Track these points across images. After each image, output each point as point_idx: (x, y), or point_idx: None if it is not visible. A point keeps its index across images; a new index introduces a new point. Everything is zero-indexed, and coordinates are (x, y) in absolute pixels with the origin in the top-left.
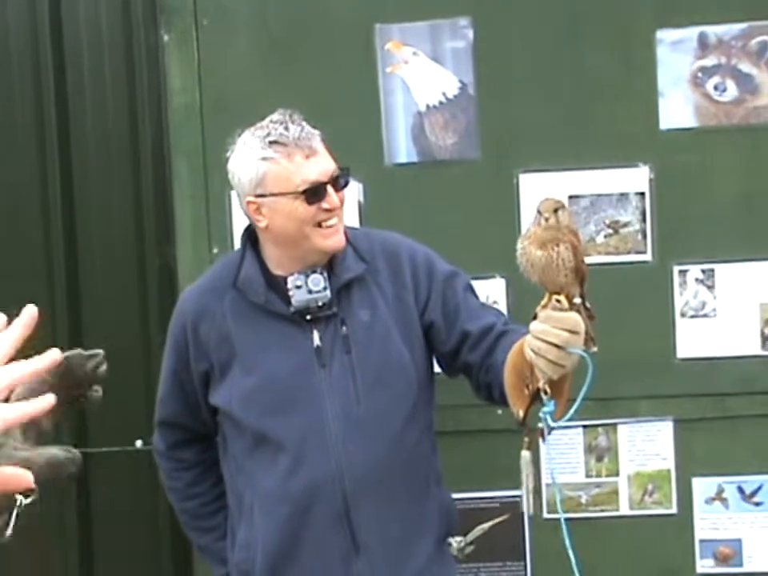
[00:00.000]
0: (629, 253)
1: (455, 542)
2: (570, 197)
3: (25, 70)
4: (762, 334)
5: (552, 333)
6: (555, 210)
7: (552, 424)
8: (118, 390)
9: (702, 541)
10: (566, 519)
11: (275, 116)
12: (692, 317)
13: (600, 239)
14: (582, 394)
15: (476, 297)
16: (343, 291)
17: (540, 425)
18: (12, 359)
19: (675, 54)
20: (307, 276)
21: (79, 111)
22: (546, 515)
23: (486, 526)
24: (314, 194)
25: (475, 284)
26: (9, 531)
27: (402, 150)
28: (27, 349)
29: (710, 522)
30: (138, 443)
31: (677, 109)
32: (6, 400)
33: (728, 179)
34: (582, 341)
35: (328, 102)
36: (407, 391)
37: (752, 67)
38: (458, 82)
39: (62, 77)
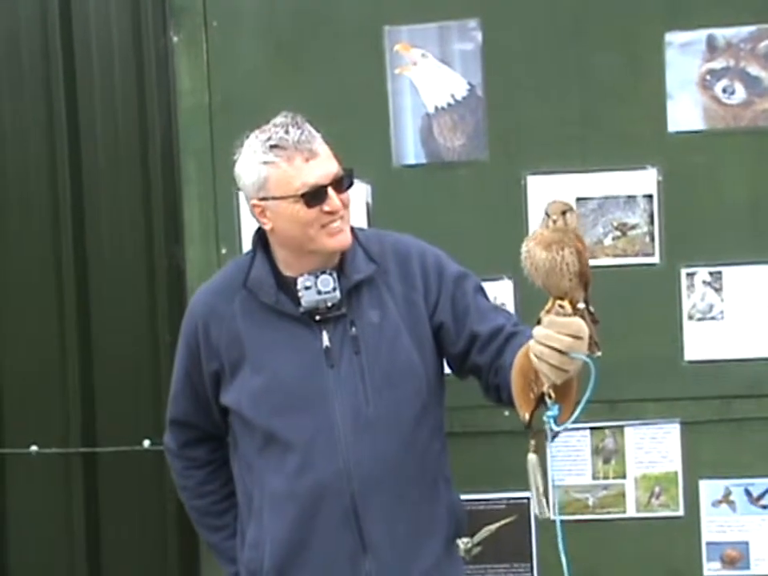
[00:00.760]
0: (636, 255)
1: (462, 542)
2: (578, 199)
3: (35, 71)
4: None
5: (555, 338)
6: (563, 213)
7: (555, 428)
8: (127, 390)
9: (708, 543)
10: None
11: (278, 119)
12: (699, 319)
13: (608, 241)
14: (584, 399)
15: (486, 298)
16: (353, 292)
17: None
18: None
19: (684, 56)
20: (317, 277)
21: (89, 112)
22: (552, 516)
23: (492, 527)
24: (313, 197)
25: (483, 286)
26: None
27: (410, 151)
28: (39, 347)
29: (717, 525)
30: (146, 443)
31: (685, 111)
32: None
33: (736, 182)
34: (585, 346)
35: (337, 104)
36: (416, 392)
37: (760, 70)
38: (467, 84)
39: (71, 78)
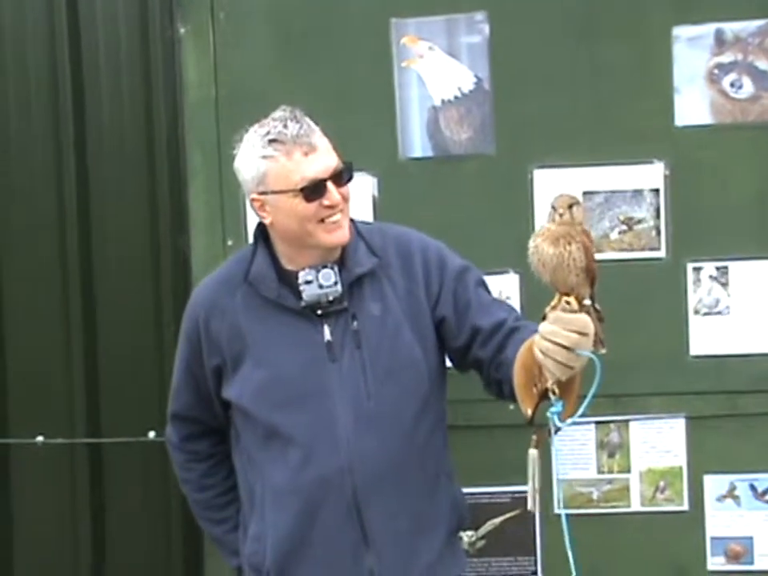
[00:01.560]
0: (643, 249)
1: (466, 536)
2: (585, 193)
3: (41, 62)
4: None
5: (561, 334)
6: (570, 206)
7: (559, 424)
8: (132, 381)
9: (713, 538)
10: (578, 515)
11: (276, 113)
12: (705, 314)
13: (614, 236)
14: (589, 396)
15: (488, 292)
16: (354, 286)
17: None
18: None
19: (692, 50)
20: (318, 271)
21: (95, 104)
22: (556, 511)
23: (497, 520)
24: (312, 191)
25: (489, 279)
26: None
27: (416, 144)
28: (44, 338)
29: (722, 520)
30: (151, 434)
31: (692, 105)
32: None
33: (743, 176)
34: (591, 342)
35: (343, 96)
36: (418, 386)
37: None
38: (474, 77)
39: (78, 69)
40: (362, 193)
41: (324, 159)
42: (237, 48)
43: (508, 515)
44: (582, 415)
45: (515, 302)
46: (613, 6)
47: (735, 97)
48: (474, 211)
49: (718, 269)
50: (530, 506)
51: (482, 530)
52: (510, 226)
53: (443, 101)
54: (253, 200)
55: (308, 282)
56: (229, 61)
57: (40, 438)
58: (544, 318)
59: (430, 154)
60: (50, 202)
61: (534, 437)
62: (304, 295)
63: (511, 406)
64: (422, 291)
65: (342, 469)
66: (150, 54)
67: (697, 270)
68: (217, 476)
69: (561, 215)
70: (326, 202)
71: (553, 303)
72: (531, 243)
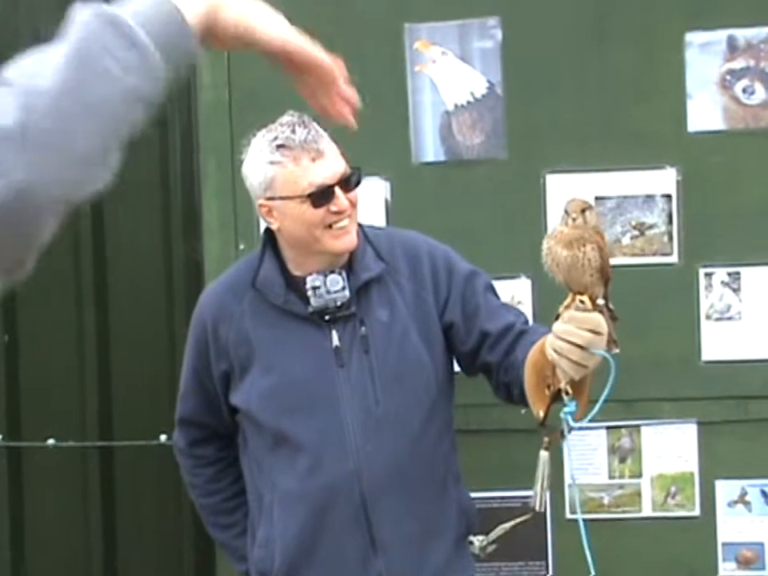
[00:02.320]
0: (654, 255)
1: (477, 540)
2: (597, 198)
3: None
4: None
5: (575, 333)
6: (583, 211)
7: (573, 424)
8: (144, 385)
9: (724, 544)
10: (589, 520)
11: (284, 118)
12: (717, 319)
13: (626, 241)
14: (604, 395)
15: (496, 296)
16: (362, 291)
17: (561, 425)
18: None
19: (704, 56)
20: (326, 276)
21: None
22: (568, 515)
23: (507, 525)
24: (320, 197)
25: (501, 284)
26: None
27: (429, 149)
28: (57, 341)
29: (733, 525)
30: (162, 438)
31: (705, 111)
32: None
33: (755, 182)
34: (604, 342)
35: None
36: (426, 391)
37: None
38: (486, 82)
39: None
40: (374, 197)
41: (332, 165)
42: (251, 51)
43: (519, 519)
44: (593, 419)
45: (527, 307)
46: (625, 12)
47: (747, 103)
48: (486, 216)
49: (729, 274)
50: (537, 506)
51: (493, 535)
52: (522, 231)
53: (456, 105)
54: (260, 205)
55: (315, 288)
56: (243, 64)
57: (51, 441)
58: (557, 318)
59: (442, 158)
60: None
61: (546, 439)
62: (312, 301)
63: (523, 411)
64: (430, 296)
65: (350, 474)
66: None
67: (708, 275)
68: (224, 481)
69: (574, 219)
70: (333, 207)
71: (566, 302)
72: (545, 244)
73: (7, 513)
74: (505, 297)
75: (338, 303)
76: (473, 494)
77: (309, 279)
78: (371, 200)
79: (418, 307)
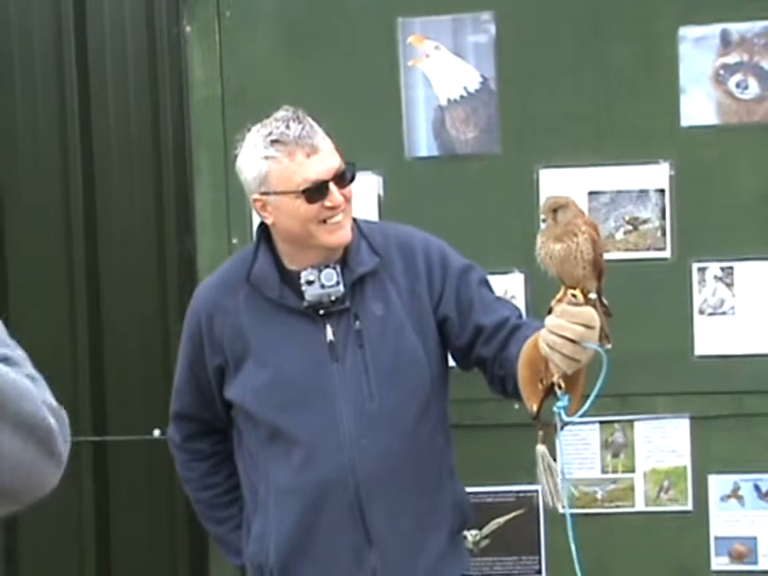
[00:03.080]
0: (648, 249)
1: (470, 535)
2: (590, 193)
3: (47, 60)
4: None
5: (567, 327)
6: (554, 210)
7: (566, 419)
8: (137, 379)
9: (717, 538)
10: (582, 514)
11: (279, 113)
12: (710, 314)
13: (619, 236)
14: (596, 389)
15: (491, 290)
16: (357, 285)
17: (555, 420)
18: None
19: (698, 50)
20: (320, 271)
21: (101, 102)
22: (560, 510)
23: (501, 520)
24: (314, 192)
25: (494, 279)
26: None
27: (422, 143)
28: (49, 335)
29: (726, 520)
30: (156, 432)
31: (698, 106)
32: None
33: (749, 177)
34: (597, 336)
35: (349, 95)
36: (420, 385)
37: None
38: (480, 77)
39: (84, 68)
40: (367, 192)
41: (326, 160)
42: (243, 46)
43: (513, 514)
44: (587, 413)
45: (520, 301)
46: (619, 6)
47: (741, 97)
48: (480, 211)
49: (723, 269)
50: (548, 501)
51: (487, 529)
52: (516, 226)
53: (449, 100)
54: (254, 200)
55: (310, 282)
56: (235, 59)
57: None
58: (550, 312)
59: (435, 153)
60: (55, 201)
61: (541, 432)
62: (306, 295)
63: (516, 405)
64: (425, 290)
65: (344, 469)
66: (156, 52)
67: (702, 270)
68: (219, 475)
69: (543, 221)
70: (327, 203)
71: (558, 296)
72: (539, 239)
73: None
74: (498, 291)
75: (333, 298)
76: (466, 489)
77: (303, 274)
78: (364, 195)
79: (413, 302)
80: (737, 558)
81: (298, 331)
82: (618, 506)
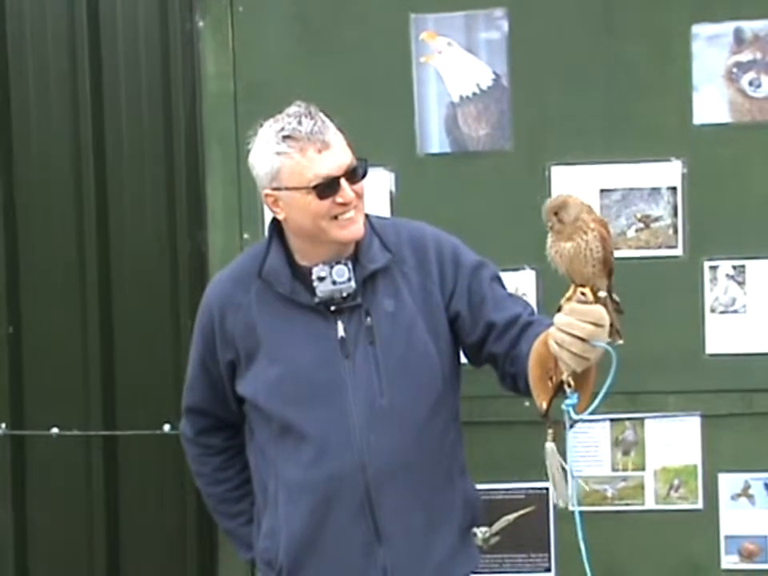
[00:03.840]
0: (659, 247)
1: (480, 532)
2: (602, 190)
3: (60, 55)
4: None
5: (577, 325)
6: (556, 213)
7: (574, 417)
8: (147, 374)
9: (727, 537)
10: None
11: (291, 109)
12: (722, 312)
13: (631, 233)
14: (605, 387)
15: (503, 287)
16: (368, 281)
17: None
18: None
19: (711, 48)
20: (332, 267)
21: (114, 97)
22: (570, 507)
23: (511, 517)
24: (325, 188)
25: (505, 275)
26: None
27: (434, 140)
28: (61, 330)
29: (736, 518)
30: (166, 427)
31: (711, 104)
32: None
33: (761, 175)
34: (606, 334)
35: (362, 91)
36: (431, 382)
37: None
38: (492, 74)
39: (97, 62)
40: (379, 188)
41: (338, 156)
42: (255, 41)
43: (522, 511)
44: (597, 412)
45: (531, 299)
46: (632, 4)
47: (753, 95)
48: (491, 207)
49: (734, 267)
50: (556, 499)
51: (496, 526)
52: (527, 223)
53: (461, 97)
54: (266, 195)
55: (321, 278)
56: (247, 54)
57: (55, 430)
58: (559, 310)
59: (447, 149)
60: (67, 196)
61: (551, 430)
62: (317, 291)
63: (526, 402)
64: (437, 287)
65: (354, 465)
66: (168, 47)
67: (713, 268)
68: (231, 470)
69: (551, 227)
70: (339, 199)
71: (568, 294)
72: (549, 238)
73: (10, 501)
74: (510, 288)
75: (344, 294)
76: (476, 486)
77: (315, 269)
78: (376, 191)
79: (424, 298)
80: (747, 556)
81: (309, 327)
82: (628, 504)
